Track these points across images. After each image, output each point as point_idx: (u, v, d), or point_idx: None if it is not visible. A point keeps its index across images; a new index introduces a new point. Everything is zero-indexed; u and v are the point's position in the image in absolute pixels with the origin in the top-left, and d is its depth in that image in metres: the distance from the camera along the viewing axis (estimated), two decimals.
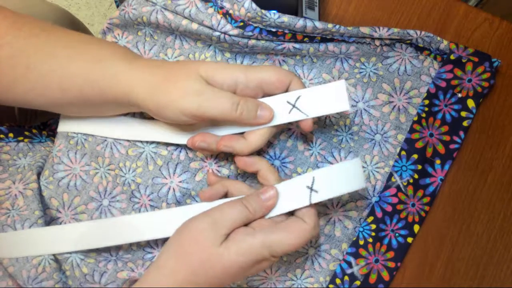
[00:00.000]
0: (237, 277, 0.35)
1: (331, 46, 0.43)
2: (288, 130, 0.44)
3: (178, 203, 0.43)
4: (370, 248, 0.43)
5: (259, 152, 0.44)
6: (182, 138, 0.41)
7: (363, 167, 0.44)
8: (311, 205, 0.37)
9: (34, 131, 0.47)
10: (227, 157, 0.43)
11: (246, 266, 0.35)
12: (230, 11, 0.41)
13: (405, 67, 0.45)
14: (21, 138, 0.46)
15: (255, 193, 0.37)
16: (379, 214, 0.43)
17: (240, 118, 0.37)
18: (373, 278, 0.43)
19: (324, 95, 0.38)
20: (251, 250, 0.34)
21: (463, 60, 0.44)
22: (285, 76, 0.38)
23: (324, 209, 0.44)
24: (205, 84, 0.36)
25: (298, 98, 0.38)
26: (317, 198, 0.36)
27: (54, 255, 0.41)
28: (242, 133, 0.40)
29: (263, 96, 0.39)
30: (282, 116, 0.39)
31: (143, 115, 0.43)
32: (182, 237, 0.36)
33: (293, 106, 0.38)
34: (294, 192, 0.37)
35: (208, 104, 0.35)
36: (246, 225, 0.37)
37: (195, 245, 0.35)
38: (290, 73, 0.38)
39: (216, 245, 0.34)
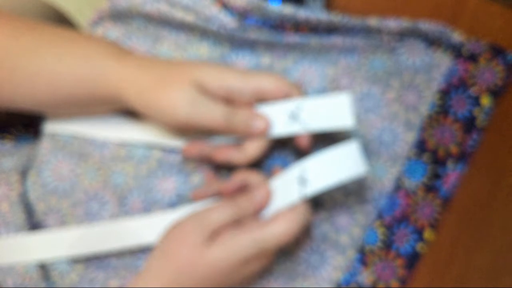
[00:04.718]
0: (226, 278, 0.34)
1: (335, 38, 0.41)
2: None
3: (173, 207, 0.41)
4: (378, 255, 0.41)
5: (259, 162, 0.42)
6: (176, 140, 0.40)
7: (369, 166, 0.42)
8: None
9: (19, 130, 0.46)
10: None
11: (233, 264, 0.34)
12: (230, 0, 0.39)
13: (415, 62, 0.42)
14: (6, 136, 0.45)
15: (245, 193, 0.37)
16: (387, 218, 0.41)
17: (233, 130, 0.37)
18: (381, 286, 0.41)
19: (326, 109, 0.37)
20: (238, 247, 0.34)
21: (476, 55, 0.42)
22: (284, 86, 0.37)
23: (328, 213, 0.42)
24: (197, 93, 0.35)
25: (298, 109, 0.37)
26: (309, 191, 0.35)
27: (41, 262, 0.40)
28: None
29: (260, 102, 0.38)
30: (280, 127, 0.38)
31: (135, 114, 0.41)
32: (168, 238, 0.35)
33: (292, 117, 0.37)
34: (285, 187, 0.36)
35: (199, 115, 0.35)
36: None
37: (180, 245, 0.34)
38: (289, 83, 0.38)
39: (201, 244, 0.34)
